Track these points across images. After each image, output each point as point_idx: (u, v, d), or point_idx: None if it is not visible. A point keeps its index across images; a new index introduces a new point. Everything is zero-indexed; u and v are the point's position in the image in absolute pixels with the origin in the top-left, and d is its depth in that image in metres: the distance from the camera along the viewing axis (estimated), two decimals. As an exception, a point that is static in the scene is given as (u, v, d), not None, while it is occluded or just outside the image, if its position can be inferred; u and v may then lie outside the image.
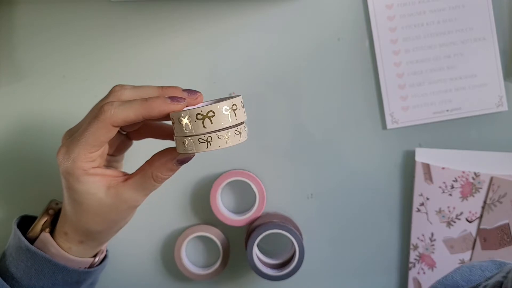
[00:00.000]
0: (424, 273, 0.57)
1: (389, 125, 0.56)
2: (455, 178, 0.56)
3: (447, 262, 0.57)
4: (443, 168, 0.56)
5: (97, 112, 0.38)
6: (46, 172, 0.57)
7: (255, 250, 0.53)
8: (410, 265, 0.58)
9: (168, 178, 0.41)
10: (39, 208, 0.52)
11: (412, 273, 0.58)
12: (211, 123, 0.36)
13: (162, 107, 0.38)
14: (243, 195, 0.57)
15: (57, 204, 0.48)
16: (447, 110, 0.56)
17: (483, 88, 0.56)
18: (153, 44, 0.56)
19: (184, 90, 0.40)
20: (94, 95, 0.56)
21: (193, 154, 0.39)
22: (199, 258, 0.58)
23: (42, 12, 0.55)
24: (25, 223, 0.48)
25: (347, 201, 0.58)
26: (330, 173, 0.57)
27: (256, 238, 0.52)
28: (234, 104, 0.37)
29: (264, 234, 0.52)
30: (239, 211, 0.57)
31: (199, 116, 0.36)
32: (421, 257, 0.57)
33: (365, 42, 0.56)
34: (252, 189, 0.55)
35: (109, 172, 0.41)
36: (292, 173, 0.57)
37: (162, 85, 0.41)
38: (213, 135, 0.36)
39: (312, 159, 0.57)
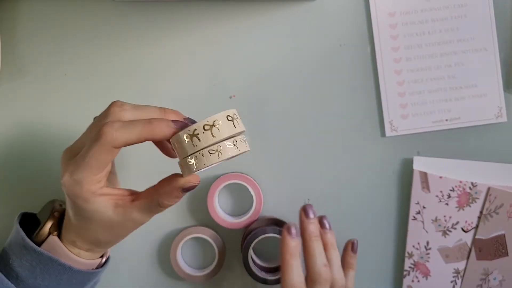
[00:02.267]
0: (418, 281, 0.57)
1: (388, 133, 0.57)
2: (452, 188, 0.56)
3: (441, 271, 0.57)
4: (440, 177, 0.56)
5: (97, 134, 0.37)
6: (47, 169, 0.57)
7: (251, 253, 0.53)
8: (405, 273, 0.58)
9: (175, 204, 0.41)
10: (39, 204, 0.52)
11: (406, 281, 0.58)
12: (219, 130, 0.37)
13: (166, 131, 0.38)
14: (240, 198, 0.57)
15: (60, 205, 0.48)
16: (446, 120, 0.56)
17: (483, 98, 0.56)
18: (155, 45, 0.56)
19: (185, 118, 0.41)
20: (95, 94, 0.56)
21: (198, 182, 0.40)
22: (195, 259, 0.59)
23: (45, 10, 0.55)
24: (25, 220, 0.48)
25: (344, 207, 0.58)
26: (328, 178, 0.57)
27: (252, 241, 0.52)
28: (234, 114, 0.39)
29: (260, 237, 0.52)
30: (236, 214, 0.58)
31: (207, 127, 0.37)
32: (415, 265, 0.57)
33: (366, 49, 0.56)
34: (250, 192, 0.55)
35: (116, 191, 0.41)
36: (290, 177, 0.57)
37: (162, 106, 0.41)
38: (222, 144, 0.37)
39: (310, 164, 0.57)
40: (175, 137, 0.38)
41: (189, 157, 0.37)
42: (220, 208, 0.57)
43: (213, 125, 0.37)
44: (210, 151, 0.37)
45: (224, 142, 0.37)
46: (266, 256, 0.58)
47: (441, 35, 0.56)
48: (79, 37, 0.56)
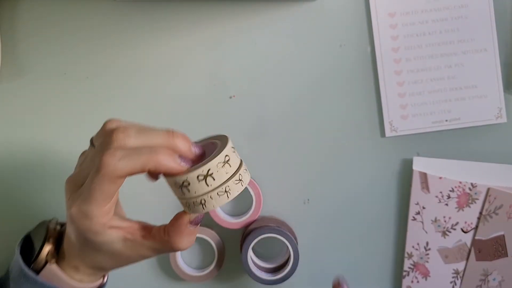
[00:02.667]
0: (417, 282, 0.57)
1: (388, 133, 0.57)
2: (452, 188, 0.56)
3: (441, 272, 0.57)
4: (440, 177, 0.56)
5: (99, 164, 0.34)
6: (47, 168, 0.57)
7: (250, 254, 0.53)
8: (404, 273, 0.58)
9: (193, 243, 0.40)
10: (39, 208, 0.52)
11: (405, 282, 0.58)
12: (230, 166, 0.35)
13: (172, 166, 0.35)
14: (240, 198, 0.57)
15: (55, 228, 0.46)
16: (446, 120, 0.56)
17: (482, 99, 0.56)
18: (155, 44, 0.56)
19: (193, 144, 0.38)
20: (95, 93, 0.56)
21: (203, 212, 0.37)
22: (194, 259, 0.59)
23: (45, 9, 0.55)
24: (25, 242, 0.46)
25: (343, 207, 0.58)
26: (327, 179, 0.57)
27: (251, 242, 0.52)
28: (232, 142, 0.36)
29: (259, 237, 0.52)
30: (235, 213, 0.58)
31: (220, 165, 0.34)
32: (415, 265, 0.57)
33: (366, 50, 0.56)
34: (249, 192, 0.55)
35: (125, 223, 0.39)
36: (289, 177, 0.57)
37: (169, 125, 0.38)
38: (230, 182, 0.34)
39: (310, 164, 0.57)
40: (182, 178, 0.34)
41: (196, 198, 0.34)
42: (219, 208, 0.57)
43: (226, 162, 0.34)
44: (219, 193, 0.34)
45: (232, 179, 0.34)
46: (266, 256, 0.58)
47: (441, 36, 0.56)
48: (78, 36, 0.56)
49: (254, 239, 0.52)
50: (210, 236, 0.56)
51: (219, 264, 0.56)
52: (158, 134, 0.36)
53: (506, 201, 0.55)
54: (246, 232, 0.54)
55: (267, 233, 0.52)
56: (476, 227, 0.56)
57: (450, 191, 0.56)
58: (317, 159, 0.57)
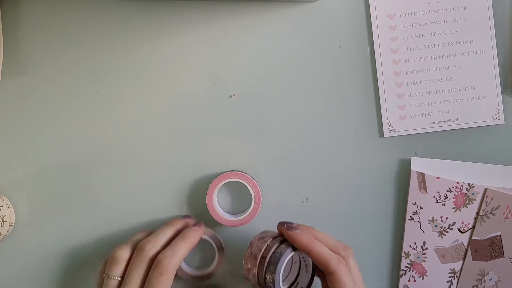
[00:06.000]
0: (414, 281, 0.58)
1: (386, 133, 0.57)
2: (449, 189, 0.56)
3: (437, 271, 0.57)
4: (437, 178, 0.56)
5: (160, 269, 0.45)
6: (48, 167, 0.57)
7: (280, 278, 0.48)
8: (401, 272, 0.58)
9: None
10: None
11: (402, 281, 0.58)
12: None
13: (197, 236, 0.50)
14: (239, 197, 0.58)
15: None
16: (444, 121, 0.57)
17: (481, 100, 0.57)
18: (156, 43, 0.56)
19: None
20: (97, 91, 0.57)
21: None
22: (193, 258, 0.59)
23: (47, 8, 0.56)
24: None
25: (341, 206, 0.58)
26: (326, 178, 0.58)
27: (276, 266, 0.47)
28: None
29: (285, 261, 0.47)
30: (234, 212, 0.58)
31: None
32: (412, 265, 0.58)
33: (366, 50, 0.57)
34: (248, 190, 0.55)
35: None
36: (288, 176, 0.58)
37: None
38: None
39: (309, 163, 0.58)
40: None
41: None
42: (219, 206, 0.57)
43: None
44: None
45: None
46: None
47: (440, 37, 0.56)
48: (80, 34, 0.56)
49: (277, 263, 0.47)
50: (209, 235, 0.56)
51: (219, 263, 0.57)
52: (166, 230, 0.51)
53: (503, 201, 0.55)
54: (262, 255, 0.49)
55: (288, 254, 0.48)
56: (473, 227, 0.56)
57: (448, 191, 0.56)
58: (316, 158, 0.58)
